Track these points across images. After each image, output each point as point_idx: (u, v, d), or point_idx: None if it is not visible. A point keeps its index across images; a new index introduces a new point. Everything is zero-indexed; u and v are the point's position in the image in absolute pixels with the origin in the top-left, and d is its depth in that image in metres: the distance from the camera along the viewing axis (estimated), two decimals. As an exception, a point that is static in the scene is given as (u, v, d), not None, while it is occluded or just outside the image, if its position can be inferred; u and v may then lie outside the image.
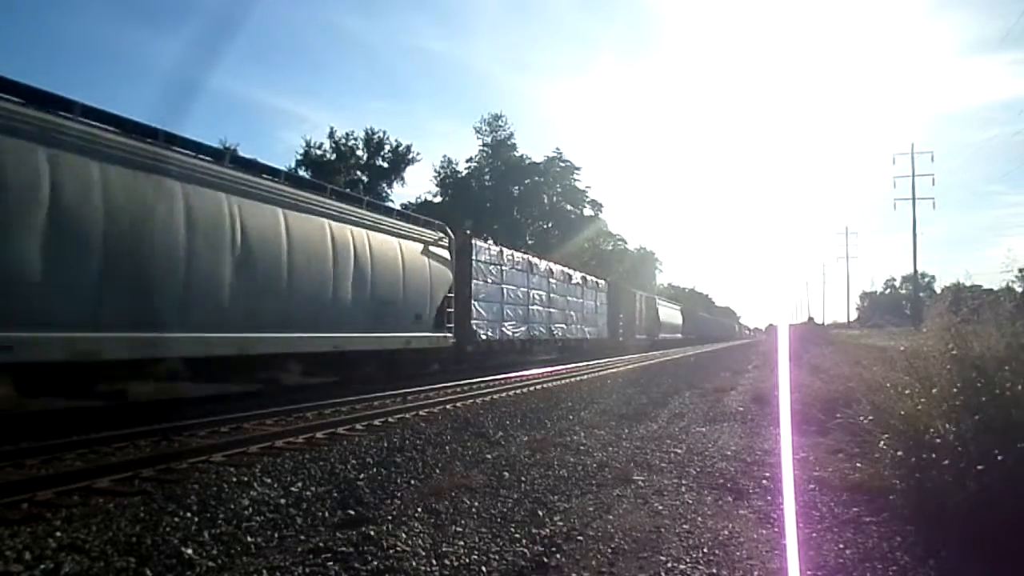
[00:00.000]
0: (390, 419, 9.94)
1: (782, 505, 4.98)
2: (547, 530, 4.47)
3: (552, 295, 27.07)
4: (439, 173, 53.59)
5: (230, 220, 10.53)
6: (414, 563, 3.82)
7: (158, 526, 4.46)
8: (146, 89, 67.21)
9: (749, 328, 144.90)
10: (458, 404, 11.89)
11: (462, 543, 4.19)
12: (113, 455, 7.07)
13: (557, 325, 27.57)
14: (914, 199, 40.74)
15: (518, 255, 24.55)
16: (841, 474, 5.84)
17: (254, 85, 78.19)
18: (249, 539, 4.29)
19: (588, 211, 57.76)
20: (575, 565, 3.85)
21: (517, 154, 54.97)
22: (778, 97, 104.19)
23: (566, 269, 29.91)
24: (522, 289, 24.10)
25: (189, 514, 4.75)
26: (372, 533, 4.28)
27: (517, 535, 4.37)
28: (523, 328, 23.87)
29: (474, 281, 20.25)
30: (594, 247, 59.09)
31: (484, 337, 20.69)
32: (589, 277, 33.33)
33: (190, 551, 3.99)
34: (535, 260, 26.12)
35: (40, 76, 57.63)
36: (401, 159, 49.11)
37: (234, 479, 5.85)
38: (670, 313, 54.73)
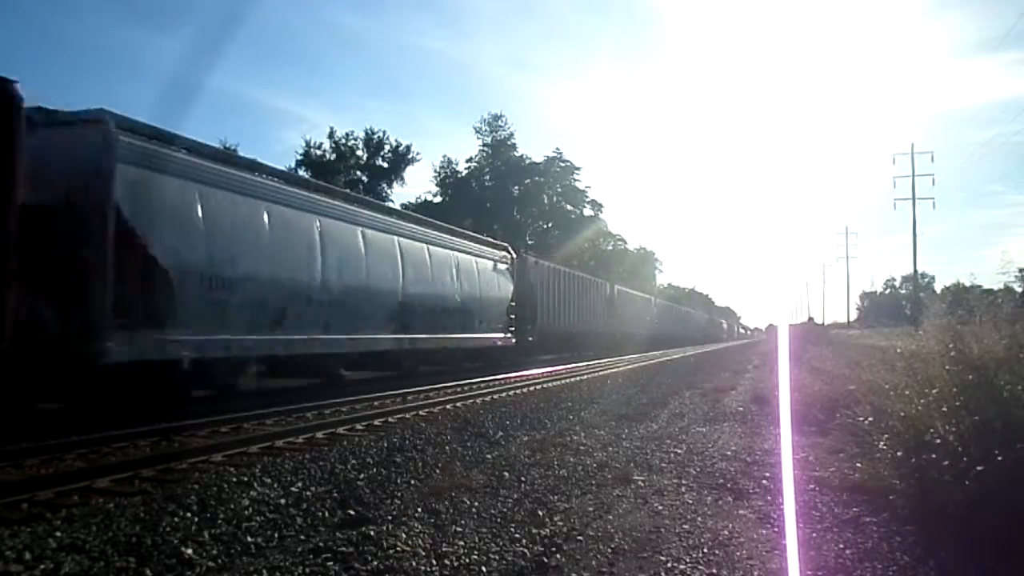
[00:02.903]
0: (390, 419, 9.93)
1: (782, 505, 4.98)
2: (547, 530, 4.47)
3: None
4: (439, 173, 53.52)
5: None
6: (414, 563, 3.82)
7: (158, 526, 4.46)
8: (146, 89, 67.33)
9: (749, 328, 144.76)
10: (458, 404, 11.88)
11: (462, 543, 4.19)
12: (113, 455, 7.07)
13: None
14: (914, 199, 40.59)
15: None
16: (841, 474, 5.84)
17: (254, 85, 78.29)
18: (249, 539, 4.29)
19: (588, 211, 57.74)
20: (575, 565, 3.85)
21: (517, 154, 54.91)
22: (778, 97, 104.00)
23: None
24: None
25: (189, 514, 4.74)
26: (372, 533, 4.28)
27: (517, 535, 4.37)
28: None
29: None
30: (594, 247, 59.03)
31: None
32: None
33: (190, 551, 3.99)
34: None
35: (41, 77, 57.72)
36: (401, 159, 49.00)
37: (234, 479, 5.85)
38: (445, 260, 18.12)
